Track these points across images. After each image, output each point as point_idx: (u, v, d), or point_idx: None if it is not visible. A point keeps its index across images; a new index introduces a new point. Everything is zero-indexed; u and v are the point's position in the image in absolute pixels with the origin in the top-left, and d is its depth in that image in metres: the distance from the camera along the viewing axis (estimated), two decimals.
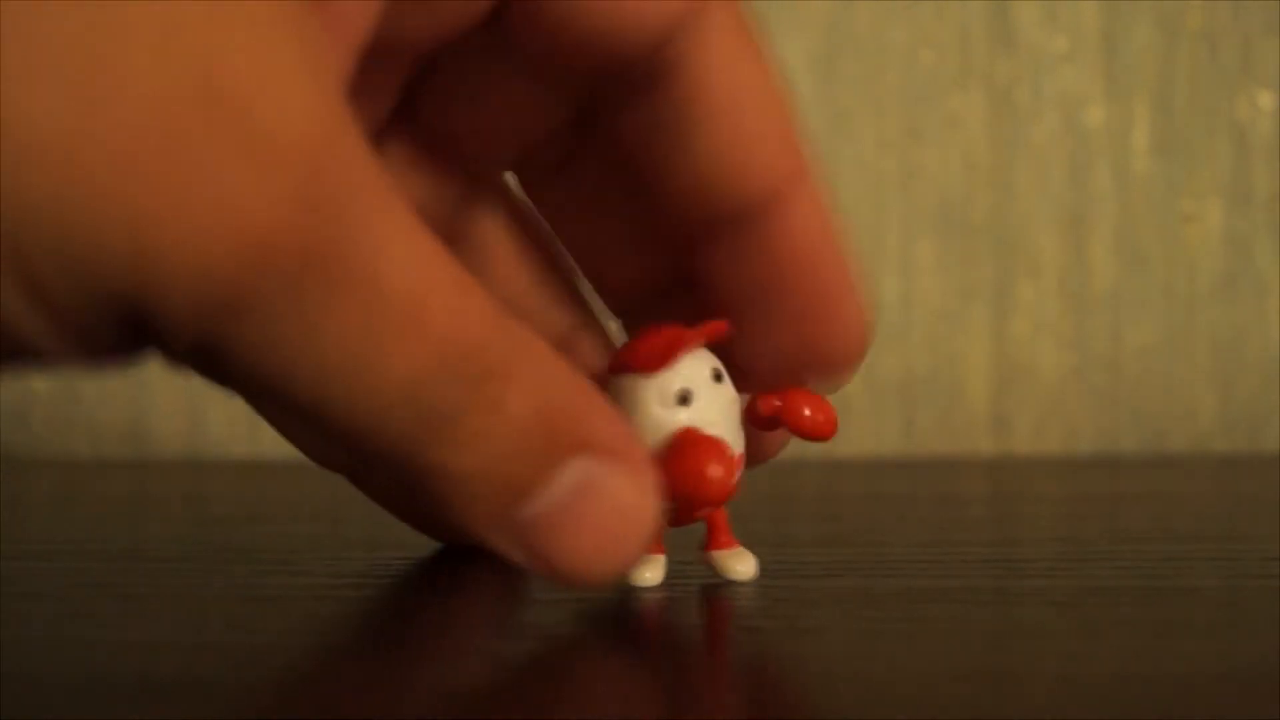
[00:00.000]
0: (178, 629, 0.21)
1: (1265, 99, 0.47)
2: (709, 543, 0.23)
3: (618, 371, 0.22)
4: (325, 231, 0.16)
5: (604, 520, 0.18)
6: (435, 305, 0.17)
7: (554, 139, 0.22)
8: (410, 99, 0.22)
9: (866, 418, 0.47)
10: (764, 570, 0.23)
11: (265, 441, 0.47)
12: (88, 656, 0.19)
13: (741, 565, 0.23)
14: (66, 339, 0.16)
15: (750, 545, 0.23)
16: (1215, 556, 0.26)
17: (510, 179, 0.24)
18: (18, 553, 0.27)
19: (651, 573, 0.22)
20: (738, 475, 0.22)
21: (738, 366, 0.22)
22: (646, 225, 0.22)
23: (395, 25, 0.19)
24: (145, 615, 0.22)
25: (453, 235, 0.23)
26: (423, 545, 0.26)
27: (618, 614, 0.22)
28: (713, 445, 0.21)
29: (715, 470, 0.21)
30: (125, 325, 0.16)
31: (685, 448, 0.21)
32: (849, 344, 0.22)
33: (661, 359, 0.21)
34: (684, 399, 0.21)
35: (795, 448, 0.24)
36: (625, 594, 0.22)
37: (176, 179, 0.15)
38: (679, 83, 0.20)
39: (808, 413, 0.22)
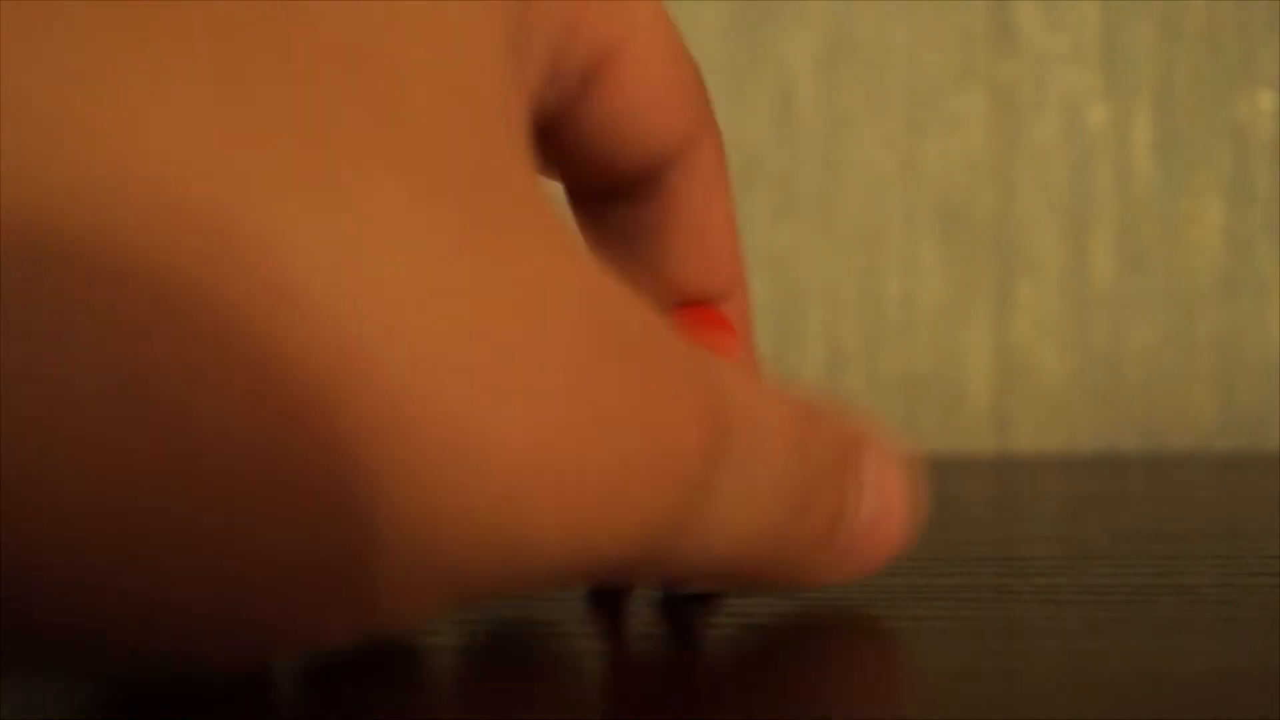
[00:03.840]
0: None
1: (1266, 99, 0.47)
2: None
3: None
4: (726, 410, 0.17)
5: (895, 504, 0.21)
6: (797, 419, 0.19)
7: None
8: None
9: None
10: None
11: None
12: None
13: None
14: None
15: None
16: (1215, 555, 0.26)
17: None
18: None
19: None
20: None
21: None
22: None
23: None
24: None
25: None
26: None
27: (618, 613, 0.22)
28: None
29: None
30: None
31: None
32: None
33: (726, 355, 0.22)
34: None
35: None
36: (625, 594, 0.22)
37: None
38: (663, 198, 0.23)
39: None
